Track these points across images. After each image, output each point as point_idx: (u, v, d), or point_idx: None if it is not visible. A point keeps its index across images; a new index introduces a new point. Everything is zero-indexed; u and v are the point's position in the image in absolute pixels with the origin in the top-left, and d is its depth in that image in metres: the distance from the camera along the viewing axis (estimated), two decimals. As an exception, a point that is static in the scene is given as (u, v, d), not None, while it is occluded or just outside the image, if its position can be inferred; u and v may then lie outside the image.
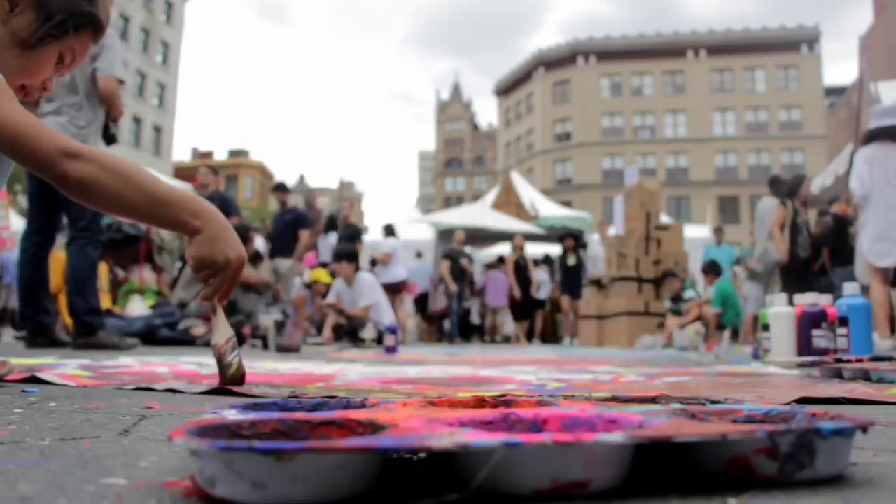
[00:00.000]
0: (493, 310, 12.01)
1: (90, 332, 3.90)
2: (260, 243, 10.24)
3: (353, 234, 9.41)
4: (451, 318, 11.02)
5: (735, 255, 10.64)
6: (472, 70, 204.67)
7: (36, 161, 1.17)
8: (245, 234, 6.19)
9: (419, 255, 14.09)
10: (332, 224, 11.16)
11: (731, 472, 0.59)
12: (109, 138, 4.03)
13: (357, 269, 7.02)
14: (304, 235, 8.11)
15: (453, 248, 11.07)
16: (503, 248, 14.22)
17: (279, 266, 7.83)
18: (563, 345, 10.10)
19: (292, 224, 8.22)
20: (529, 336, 11.33)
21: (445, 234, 15.63)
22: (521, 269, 11.04)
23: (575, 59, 45.69)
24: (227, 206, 7.83)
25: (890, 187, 4.60)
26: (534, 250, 13.14)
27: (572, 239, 11.24)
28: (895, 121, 4.77)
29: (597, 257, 11.46)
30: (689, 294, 8.74)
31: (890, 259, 4.73)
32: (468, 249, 15.92)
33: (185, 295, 5.79)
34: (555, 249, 12.94)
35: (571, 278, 11.13)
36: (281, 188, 8.84)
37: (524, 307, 11.18)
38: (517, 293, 10.93)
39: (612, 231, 11.15)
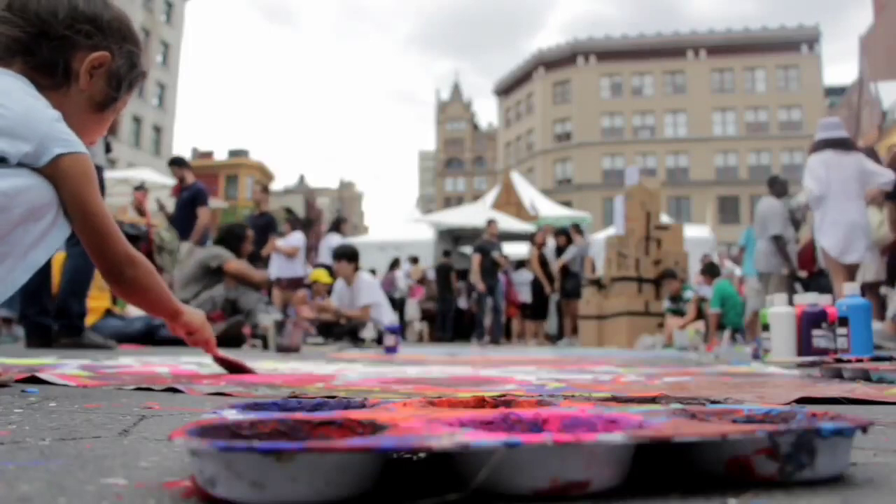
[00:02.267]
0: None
1: (77, 333, 3.95)
2: None
3: (266, 224, 8.66)
4: (479, 316, 10.52)
5: None
6: (475, 71, 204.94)
7: (111, 259, 1.45)
8: (241, 234, 6.17)
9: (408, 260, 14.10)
10: (336, 225, 11.13)
11: (731, 472, 0.59)
12: (108, 147, 4.12)
13: (356, 268, 7.01)
14: (203, 214, 7.35)
15: (485, 239, 10.53)
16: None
17: (180, 249, 7.14)
18: (560, 345, 10.05)
19: (190, 202, 7.53)
20: (547, 335, 11.15)
21: (445, 234, 15.64)
22: (544, 265, 10.88)
23: (575, 59, 45.69)
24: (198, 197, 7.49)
25: (846, 189, 4.80)
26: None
27: (564, 236, 11.13)
28: (842, 133, 5.24)
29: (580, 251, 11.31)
30: (688, 294, 8.75)
31: (854, 256, 5.01)
32: (467, 250, 15.90)
33: (184, 295, 5.77)
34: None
35: (566, 277, 11.02)
36: (177, 162, 8.00)
37: (542, 305, 10.97)
38: (547, 289, 10.75)
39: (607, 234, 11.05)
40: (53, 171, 1.33)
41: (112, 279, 1.49)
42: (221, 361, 2.10)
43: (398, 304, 12.58)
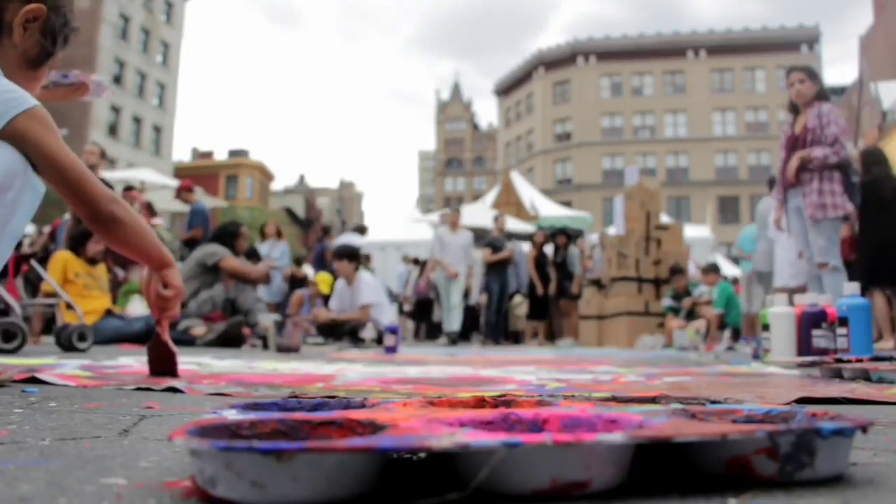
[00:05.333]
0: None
1: None
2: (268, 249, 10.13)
3: None
4: (488, 315, 10.13)
5: None
6: (476, 72, 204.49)
7: (90, 201, 1.41)
8: (236, 231, 6.14)
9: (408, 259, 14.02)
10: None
11: (731, 472, 0.59)
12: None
13: (357, 268, 7.00)
14: None
15: (494, 236, 10.30)
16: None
17: None
18: (557, 345, 10.00)
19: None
20: (549, 335, 11.09)
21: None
22: (541, 266, 10.84)
23: (575, 59, 45.66)
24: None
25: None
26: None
27: (565, 236, 11.10)
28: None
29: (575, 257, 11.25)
30: (696, 292, 8.67)
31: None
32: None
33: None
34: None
35: (564, 277, 10.98)
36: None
37: (542, 305, 10.93)
38: (540, 290, 10.71)
39: (612, 231, 10.99)
40: (11, 134, 1.28)
41: (100, 223, 1.43)
42: (157, 347, 1.89)
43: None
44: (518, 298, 10.13)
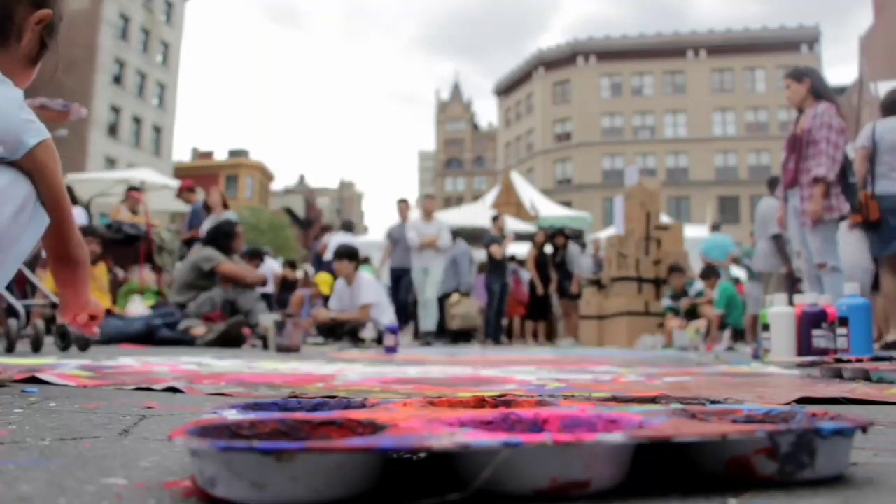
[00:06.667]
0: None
1: None
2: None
3: None
4: (488, 315, 9.95)
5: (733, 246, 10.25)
6: (477, 72, 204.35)
7: (65, 241, 1.46)
8: (231, 231, 6.09)
9: None
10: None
11: (731, 472, 0.59)
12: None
13: (357, 267, 7.00)
14: None
15: (493, 236, 10.19)
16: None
17: None
18: (557, 345, 9.97)
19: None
20: (549, 336, 11.05)
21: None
22: (542, 266, 10.81)
23: (575, 59, 45.67)
24: None
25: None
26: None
27: (563, 236, 11.09)
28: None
29: (577, 256, 11.21)
30: (695, 289, 8.63)
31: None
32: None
33: (181, 298, 5.74)
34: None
35: (563, 277, 10.96)
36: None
37: (542, 306, 10.90)
38: (540, 290, 10.67)
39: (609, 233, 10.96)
40: (30, 162, 1.34)
41: (64, 260, 1.49)
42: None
43: None
44: (455, 297, 9.94)
